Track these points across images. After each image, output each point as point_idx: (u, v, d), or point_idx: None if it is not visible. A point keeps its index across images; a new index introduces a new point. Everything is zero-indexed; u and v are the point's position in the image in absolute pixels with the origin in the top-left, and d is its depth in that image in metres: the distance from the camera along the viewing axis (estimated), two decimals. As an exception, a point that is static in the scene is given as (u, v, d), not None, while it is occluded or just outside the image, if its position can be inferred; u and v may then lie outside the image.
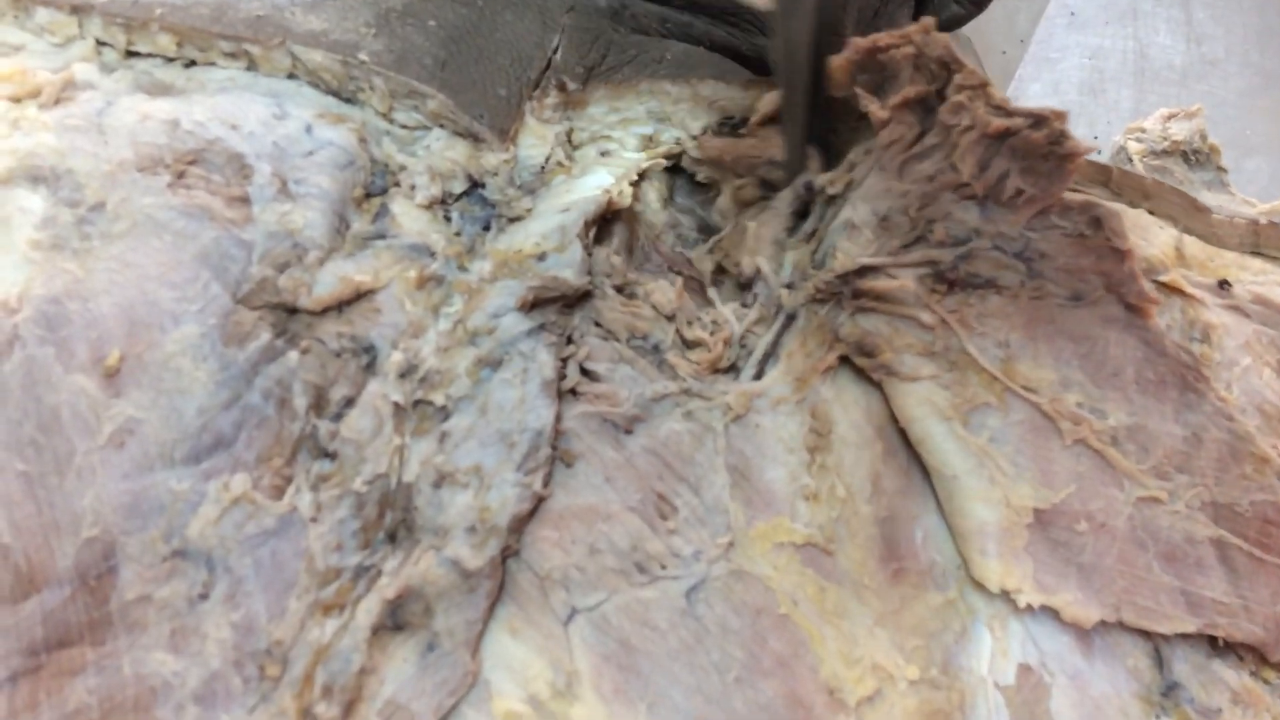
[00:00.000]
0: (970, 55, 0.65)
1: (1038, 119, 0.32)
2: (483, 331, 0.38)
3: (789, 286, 0.38)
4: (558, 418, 0.36)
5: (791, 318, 0.38)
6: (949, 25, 0.59)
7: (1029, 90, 0.86)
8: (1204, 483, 0.35)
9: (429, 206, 0.41)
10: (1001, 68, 0.85)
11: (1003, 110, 0.33)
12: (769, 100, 0.42)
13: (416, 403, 0.36)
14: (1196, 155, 0.79)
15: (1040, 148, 0.32)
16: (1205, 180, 0.79)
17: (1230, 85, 0.89)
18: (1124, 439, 0.34)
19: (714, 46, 0.48)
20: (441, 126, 0.43)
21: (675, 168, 0.47)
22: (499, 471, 0.35)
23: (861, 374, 0.36)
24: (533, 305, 0.38)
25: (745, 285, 0.40)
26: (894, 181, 0.35)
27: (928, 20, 0.36)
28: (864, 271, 0.35)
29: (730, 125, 0.45)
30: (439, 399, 0.36)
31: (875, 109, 0.36)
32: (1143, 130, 0.80)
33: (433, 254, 0.40)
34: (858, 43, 0.36)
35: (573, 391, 0.37)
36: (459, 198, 0.42)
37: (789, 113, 0.41)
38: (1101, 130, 0.84)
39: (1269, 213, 0.55)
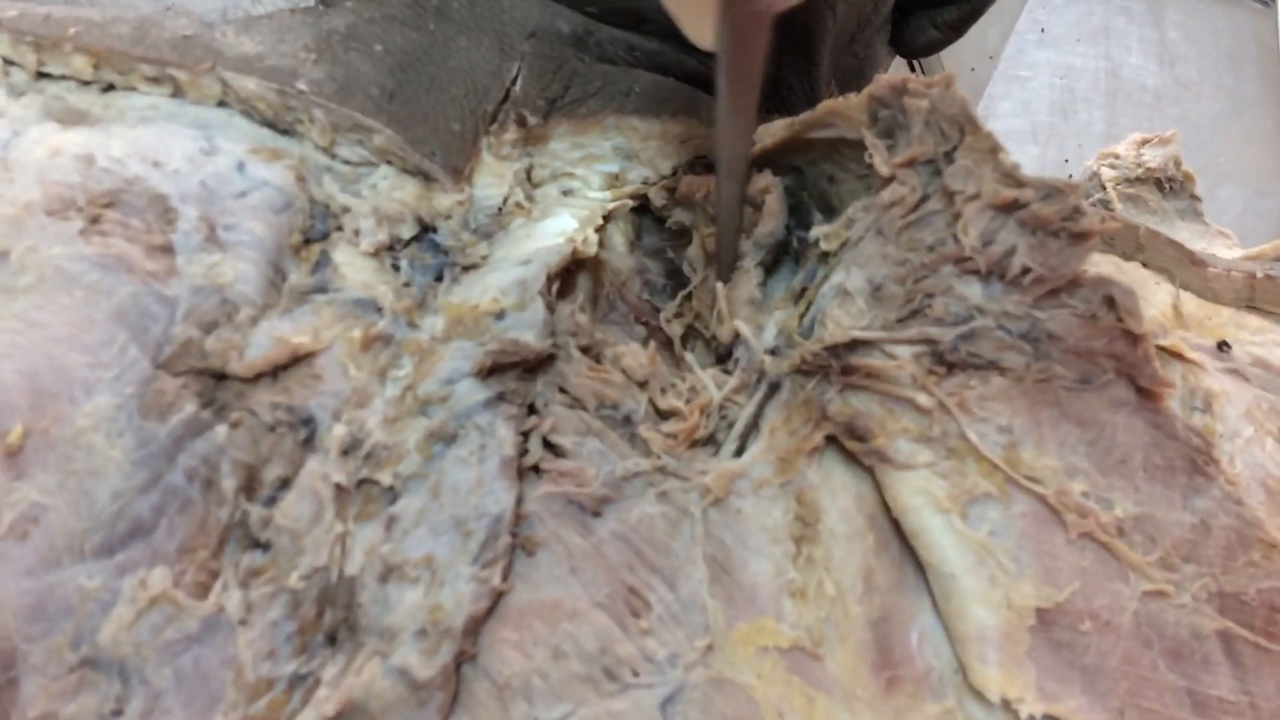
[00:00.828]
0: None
1: (1050, 191, 0.30)
2: (435, 400, 0.34)
3: (773, 352, 0.35)
4: (518, 500, 0.33)
5: (775, 387, 0.35)
6: (926, 50, 0.57)
7: (999, 109, 0.84)
8: (1211, 572, 0.33)
9: (375, 254, 0.38)
10: (970, 85, 0.83)
11: (1012, 179, 0.30)
12: (771, 133, 0.40)
13: (361, 482, 0.33)
14: (1170, 183, 0.78)
15: (1051, 223, 0.30)
16: (1179, 209, 0.78)
17: (1203, 109, 0.88)
18: (1131, 530, 0.32)
19: (685, 77, 0.44)
20: (389, 163, 0.39)
21: (642, 207, 0.44)
22: (453, 564, 0.31)
23: (850, 456, 0.34)
24: (490, 371, 0.34)
25: (722, 354, 0.38)
26: (892, 248, 0.32)
27: (949, 73, 0.34)
28: (855, 345, 0.32)
29: (703, 165, 0.42)
30: (386, 478, 0.33)
31: (880, 163, 0.33)
32: (1116, 156, 0.79)
33: (379, 309, 0.36)
34: (884, 80, 0.33)
35: (535, 469, 0.34)
36: (408, 243, 0.39)
37: (723, 202, 0.38)
38: (1072, 152, 0.83)
39: (1259, 256, 0.53)
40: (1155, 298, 0.40)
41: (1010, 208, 0.31)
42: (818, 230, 0.36)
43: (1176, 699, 0.32)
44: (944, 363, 0.32)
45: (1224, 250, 0.74)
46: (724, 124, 0.36)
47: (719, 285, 0.38)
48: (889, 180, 0.34)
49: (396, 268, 0.38)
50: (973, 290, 0.31)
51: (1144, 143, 0.78)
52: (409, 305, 0.37)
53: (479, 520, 0.32)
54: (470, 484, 0.32)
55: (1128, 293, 0.30)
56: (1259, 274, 0.44)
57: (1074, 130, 0.83)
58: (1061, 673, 0.31)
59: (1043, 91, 0.85)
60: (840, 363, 0.33)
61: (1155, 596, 0.32)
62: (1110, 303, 0.30)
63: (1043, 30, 0.86)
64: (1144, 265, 0.43)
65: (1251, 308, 0.44)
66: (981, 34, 0.85)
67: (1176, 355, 0.38)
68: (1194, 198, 0.76)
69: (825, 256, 0.36)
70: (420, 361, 0.35)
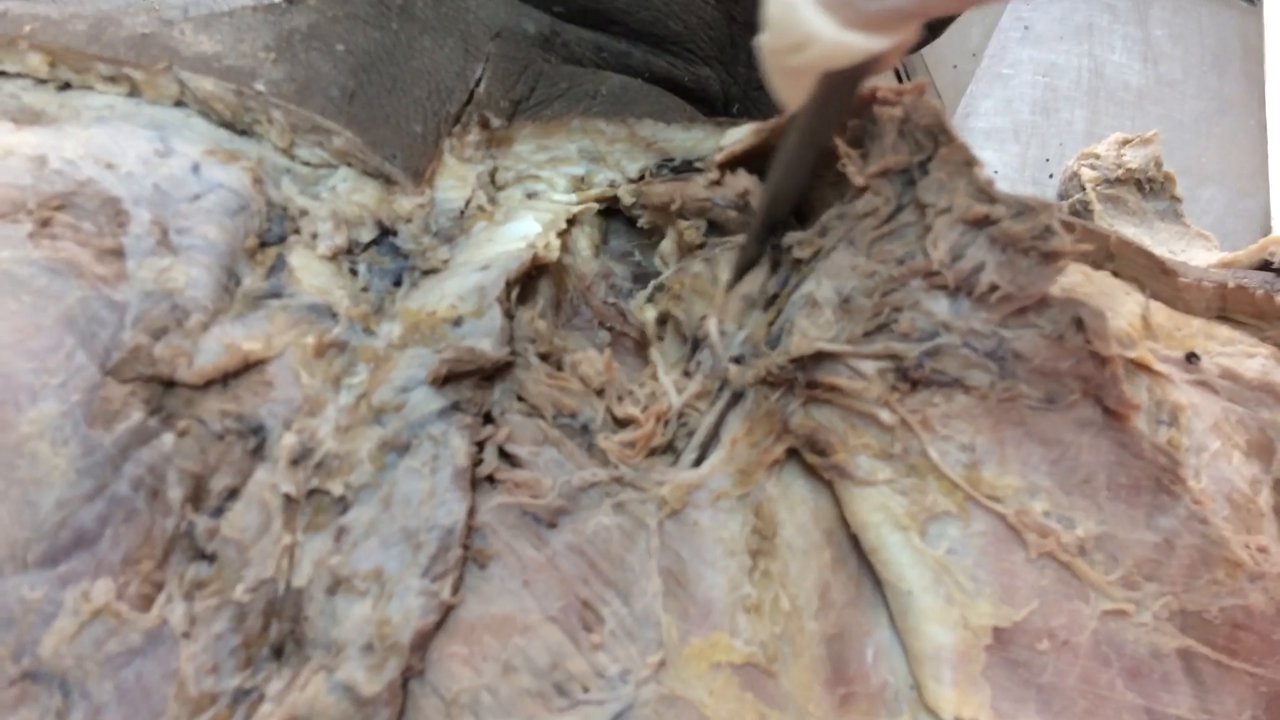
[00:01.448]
0: (921, 72, 0.62)
1: (1022, 208, 0.29)
2: (389, 408, 0.34)
3: (737, 360, 0.35)
4: (471, 511, 0.32)
5: (738, 396, 0.34)
6: (913, 47, 0.56)
7: (980, 107, 0.84)
8: (1173, 591, 0.32)
9: (332, 257, 0.37)
10: (953, 83, 0.83)
11: (985, 194, 0.30)
12: (737, 138, 0.39)
13: (311, 492, 0.32)
14: (1151, 184, 0.78)
15: (1022, 241, 0.29)
16: (1159, 210, 0.78)
17: (1186, 109, 0.88)
18: (1092, 549, 0.31)
19: (653, 78, 0.44)
20: (349, 165, 0.39)
21: (608, 210, 0.43)
22: (402, 577, 0.31)
23: (810, 470, 0.33)
24: (446, 379, 0.34)
25: (692, 344, 0.37)
26: (862, 259, 0.32)
27: (921, 81, 0.33)
28: (821, 358, 0.32)
29: (670, 168, 0.41)
30: (337, 488, 0.32)
31: (854, 172, 0.32)
32: (1096, 156, 0.79)
33: (334, 315, 0.36)
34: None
35: (490, 479, 0.33)
36: (367, 247, 0.38)
37: (775, 198, 0.37)
38: (1053, 151, 0.82)
39: (1234, 263, 0.53)
40: (1124, 308, 0.40)
41: (981, 223, 0.30)
42: (791, 237, 0.35)
43: (1134, 717, 0.32)
44: (908, 379, 0.31)
45: (1203, 253, 0.74)
46: (783, 174, 0.35)
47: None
48: (863, 190, 0.33)
49: (354, 272, 0.38)
50: (940, 306, 0.31)
51: (1125, 143, 0.77)
52: (365, 311, 0.36)
53: (430, 532, 0.31)
54: (422, 495, 0.32)
55: (1096, 314, 0.29)
56: (1230, 283, 0.44)
57: (1056, 129, 0.83)
58: (1017, 692, 0.31)
59: (1025, 90, 0.85)
60: (805, 376, 0.32)
61: (1115, 615, 0.32)
62: (1079, 324, 0.30)
63: (1026, 27, 0.86)
64: (1114, 274, 0.42)
65: (1222, 317, 0.44)
66: (964, 31, 0.85)
67: (1144, 368, 0.38)
68: (1174, 199, 0.76)
69: (798, 264, 0.35)
70: (375, 369, 0.35)
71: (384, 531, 0.32)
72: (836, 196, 0.37)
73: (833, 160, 0.36)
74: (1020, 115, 0.86)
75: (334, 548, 0.32)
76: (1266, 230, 0.83)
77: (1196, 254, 0.72)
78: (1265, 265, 0.49)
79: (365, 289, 0.37)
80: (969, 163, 0.32)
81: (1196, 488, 0.34)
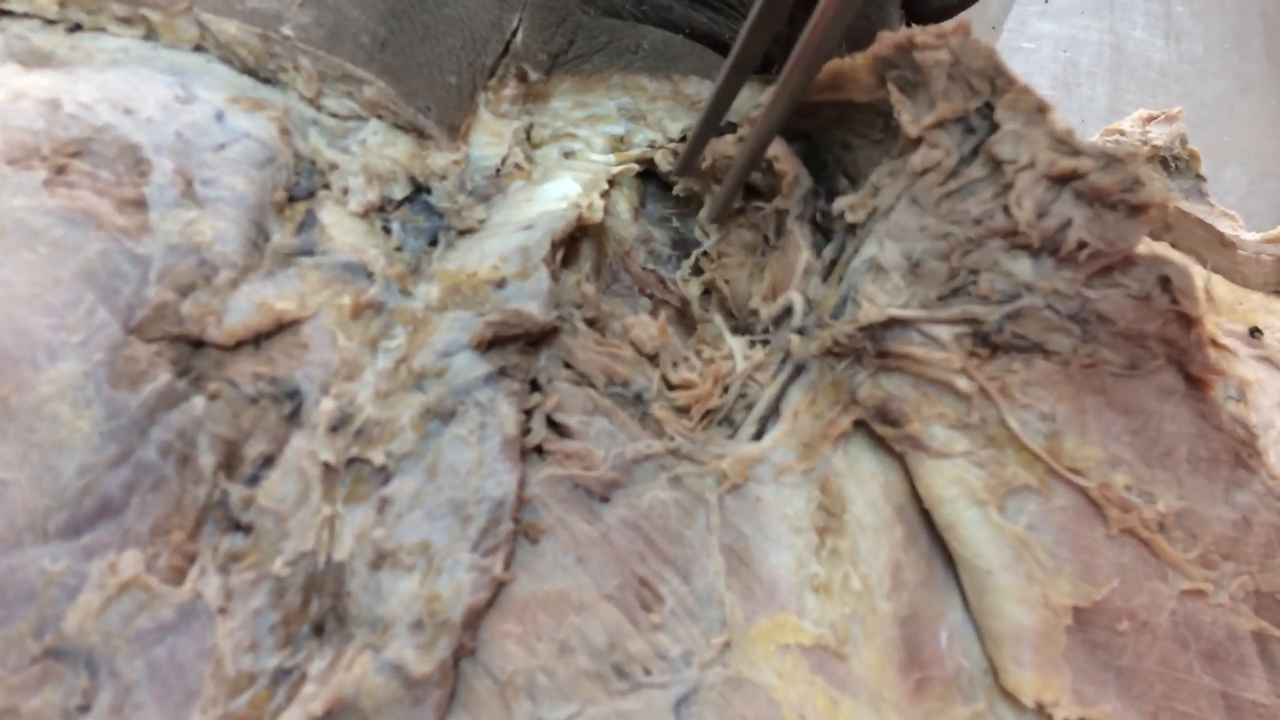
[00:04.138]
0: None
1: (1109, 159, 0.28)
2: (431, 374, 0.32)
3: (800, 331, 0.33)
4: (521, 483, 0.31)
5: (800, 368, 0.33)
6: (941, 15, 0.55)
7: (1001, 82, 0.83)
8: (1249, 570, 0.32)
9: (365, 215, 0.36)
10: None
11: (1068, 146, 0.29)
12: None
13: (351, 461, 0.31)
14: (1176, 162, 0.77)
15: (1110, 195, 0.28)
16: (1183, 189, 0.77)
17: (1209, 87, 0.87)
18: (1172, 525, 0.31)
19: (694, 34, 0.43)
20: (380, 118, 0.37)
21: (647, 173, 0.42)
22: (451, 551, 0.30)
23: (878, 443, 0.32)
24: (490, 344, 0.33)
25: (743, 326, 0.36)
26: (930, 219, 0.31)
27: (964, 20, 0.32)
28: (891, 325, 0.31)
29: (714, 130, 0.40)
30: (378, 457, 0.31)
31: (909, 122, 0.31)
32: (1121, 133, 0.78)
33: (369, 274, 0.34)
34: (888, 37, 0.32)
35: (538, 450, 0.32)
36: (400, 204, 0.37)
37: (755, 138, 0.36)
38: (1075, 127, 0.81)
39: (1278, 239, 0.53)
40: (1187, 276, 0.39)
41: (1067, 178, 0.29)
42: (842, 202, 0.34)
43: (1211, 702, 0.31)
44: (987, 344, 0.30)
45: (1230, 231, 0.74)
46: (789, 83, 0.34)
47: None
48: (915, 143, 0.32)
49: (388, 230, 0.36)
50: (1022, 266, 0.30)
51: (1149, 119, 0.77)
52: (401, 271, 0.35)
53: (479, 504, 0.30)
54: (470, 465, 0.31)
55: (1183, 273, 0.29)
56: (1287, 255, 0.43)
57: (1076, 105, 0.82)
58: (1097, 675, 0.30)
59: (1045, 64, 0.84)
60: (876, 345, 0.31)
61: (1193, 596, 0.31)
62: (1165, 283, 0.29)
63: (1046, 1, 0.85)
64: (1172, 245, 0.41)
65: (1279, 291, 0.43)
66: (984, 4, 0.84)
67: (1210, 341, 0.37)
68: (1199, 177, 0.75)
69: (853, 229, 0.34)
70: (414, 332, 0.34)
71: (430, 503, 0.30)
72: (883, 154, 0.35)
73: (873, 116, 0.34)
74: (1041, 91, 0.85)
75: (377, 520, 0.30)
76: (1289, 212, 0.83)
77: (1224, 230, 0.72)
78: (1315, 242, 0.48)
79: (399, 248, 0.36)
80: (1041, 109, 0.31)
81: (1272, 464, 0.33)
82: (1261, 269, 0.42)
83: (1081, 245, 0.29)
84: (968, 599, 0.31)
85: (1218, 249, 0.41)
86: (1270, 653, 0.33)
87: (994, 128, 0.30)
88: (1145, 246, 0.29)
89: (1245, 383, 0.36)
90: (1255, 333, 0.39)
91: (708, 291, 0.40)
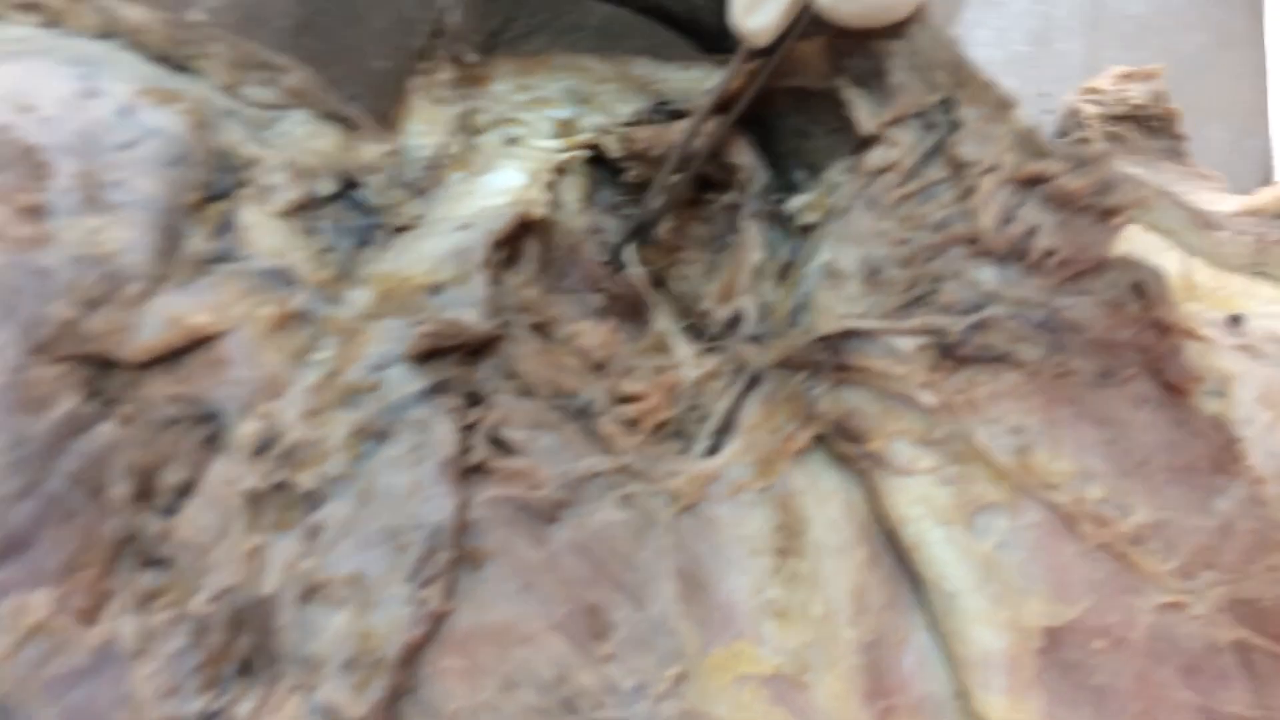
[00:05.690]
0: None
1: (1077, 161, 0.28)
2: (363, 389, 0.32)
3: (754, 339, 0.33)
4: (461, 506, 0.30)
5: (755, 379, 0.33)
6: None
7: (976, 36, 0.82)
8: (1230, 579, 0.32)
9: (288, 215, 0.35)
10: (945, 10, 0.81)
11: (1033, 146, 0.28)
12: (724, 79, 0.37)
13: (277, 486, 0.30)
14: (1154, 121, 0.77)
15: (1080, 199, 0.28)
16: (1162, 149, 0.77)
17: (1189, 40, 0.87)
18: (1149, 537, 0.31)
19: (644, 10, 0.41)
20: (303, 108, 0.36)
21: (596, 158, 0.41)
22: (386, 583, 0.29)
23: (840, 459, 0.32)
24: (426, 356, 0.32)
25: (697, 321, 0.35)
26: (888, 223, 0.30)
27: (923, 5, 0.31)
28: (851, 336, 0.30)
29: (666, 111, 0.39)
30: (307, 481, 0.31)
31: (865, 118, 0.31)
32: (1098, 91, 0.78)
33: (294, 281, 0.33)
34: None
35: (480, 468, 0.32)
36: (327, 202, 0.36)
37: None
38: (1051, 85, 0.81)
39: (1260, 210, 0.52)
40: (1165, 267, 0.39)
41: (1034, 182, 0.29)
42: (796, 201, 0.34)
43: (1191, 717, 0.31)
44: (951, 356, 0.30)
45: (1210, 194, 0.74)
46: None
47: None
48: (871, 139, 0.32)
49: (314, 231, 0.35)
50: (987, 274, 0.30)
51: (1127, 76, 0.76)
52: (329, 276, 0.34)
53: (415, 531, 0.30)
54: (405, 488, 0.30)
55: (1157, 277, 0.28)
56: (1271, 236, 0.43)
57: (1053, 60, 0.82)
58: (1071, 696, 0.30)
59: (1020, 19, 0.84)
60: (834, 357, 0.31)
61: (1171, 608, 0.31)
62: (1138, 289, 0.29)
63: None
64: (1151, 227, 0.41)
65: (1260, 273, 0.43)
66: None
67: (1189, 333, 0.37)
68: (1178, 137, 0.75)
69: (808, 229, 0.33)
70: (344, 343, 0.33)
71: (363, 530, 0.30)
72: (841, 144, 0.35)
73: (830, 103, 0.34)
74: (1015, 46, 0.85)
75: (306, 549, 0.30)
76: (1269, 170, 0.83)
77: (1204, 195, 0.72)
78: (1294, 215, 0.48)
79: (327, 250, 0.35)
80: (1004, 105, 0.31)
81: (1253, 466, 0.33)
82: (1243, 250, 0.42)
83: (1050, 252, 0.29)
84: (935, 622, 0.31)
85: (1198, 231, 0.41)
86: (1252, 663, 0.33)
87: (955, 125, 0.30)
88: (1118, 246, 0.29)
89: (1226, 377, 0.36)
90: (1236, 320, 0.39)
91: (662, 283, 0.39)
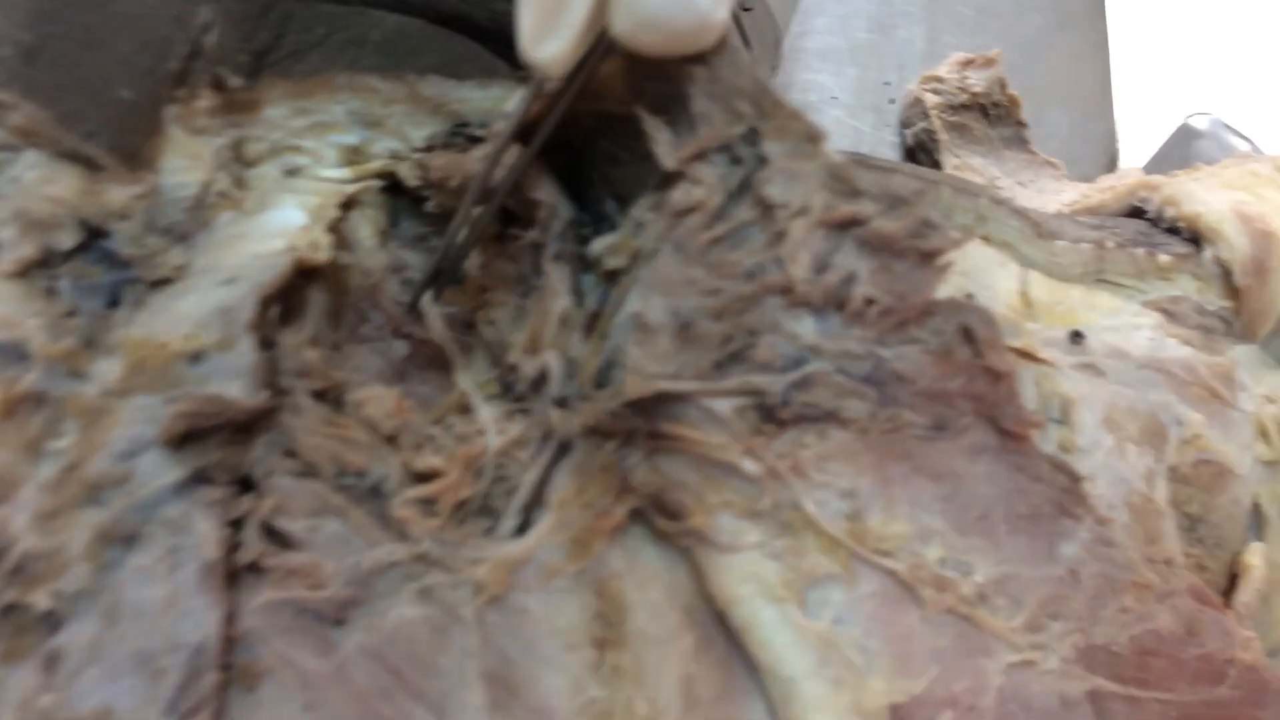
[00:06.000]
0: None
1: (892, 200, 0.25)
2: (109, 482, 0.28)
3: (561, 403, 0.30)
4: (228, 617, 0.26)
5: (565, 447, 0.29)
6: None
7: (815, 24, 0.81)
8: (1080, 627, 0.31)
9: (20, 275, 0.30)
10: (784, -1, 0.79)
11: (845, 184, 0.26)
12: (521, 102, 0.33)
13: (7, 609, 0.26)
14: (996, 108, 0.77)
15: (897, 242, 0.25)
16: (1004, 137, 0.77)
17: (1027, 22, 0.87)
18: (993, 594, 0.29)
19: (440, 18, 0.38)
20: (35, 148, 0.31)
21: (394, 186, 0.37)
22: (139, 718, 0.25)
23: (661, 535, 0.29)
24: (183, 439, 0.28)
25: (505, 376, 0.32)
26: (697, 270, 0.27)
27: (722, 29, 0.28)
28: (663, 399, 0.27)
29: (466, 134, 0.36)
30: (43, 601, 0.26)
31: (665, 153, 0.28)
32: (939, 80, 0.77)
33: (26, 356, 0.29)
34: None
35: (253, 567, 0.28)
36: (69, 256, 0.31)
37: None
38: (893, 74, 0.80)
39: (1098, 209, 0.52)
40: (1001, 285, 0.37)
41: (847, 225, 0.26)
42: (600, 243, 0.30)
43: (1047, 778, 0.30)
44: (773, 418, 0.27)
45: (1053, 182, 0.74)
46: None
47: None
48: (676, 176, 0.29)
49: (53, 293, 0.31)
50: (805, 327, 0.27)
51: (967, 64, 0.76)
52: (70, 347, 0.30)
53: (172, 654, 0.26)
54: (158, 603, 0.26)
55: (986, 320, 0.26)
56: (1109, 243, 0.42)
57: (894, 48, 0.81)
58: (920, 775, 0.28)
59: (860, 6, 0.83)
60: (647, 424, 0.28)
61: (1021, 667, 0.29)
62: (966, 334, 0.26)
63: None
64: (986, 240, 0.39)
65: (1101, 280, 0.42)
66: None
67: (1029, 356, 0.35)
68: (1020, 124, 0.75)
69: (615, 275, 0.30)
70: (88, 427, 0.28)
71: (111, 656, 0.26)
72: (647, 174, 0.31)
73: (635, 128, 0.31)
74: (857, 34, 0.83)
75: (44, 682, 0.26)
76: (1113, 154, 0.84)
77: (1046, 183, 0.72)
78: (1137, 213, 0.48)
79: (69, 315, 0.30)
80: (814, 138, 0.28)
81: (1097, 503, 0.31)
82: (1081, 257, 0.41)
83: (870, 300, 0.26)
84: (774, 708, 0.28)
85: (1034, 241, 0.40)
86: (1107, 710, 0.31)
87: (762, 160, 0.27)
88: (944, 286, 0.27)
89: (1067, 401, 0.35)
90: (1076, 337, 0.37)
91: (472, 326, 0.35)
